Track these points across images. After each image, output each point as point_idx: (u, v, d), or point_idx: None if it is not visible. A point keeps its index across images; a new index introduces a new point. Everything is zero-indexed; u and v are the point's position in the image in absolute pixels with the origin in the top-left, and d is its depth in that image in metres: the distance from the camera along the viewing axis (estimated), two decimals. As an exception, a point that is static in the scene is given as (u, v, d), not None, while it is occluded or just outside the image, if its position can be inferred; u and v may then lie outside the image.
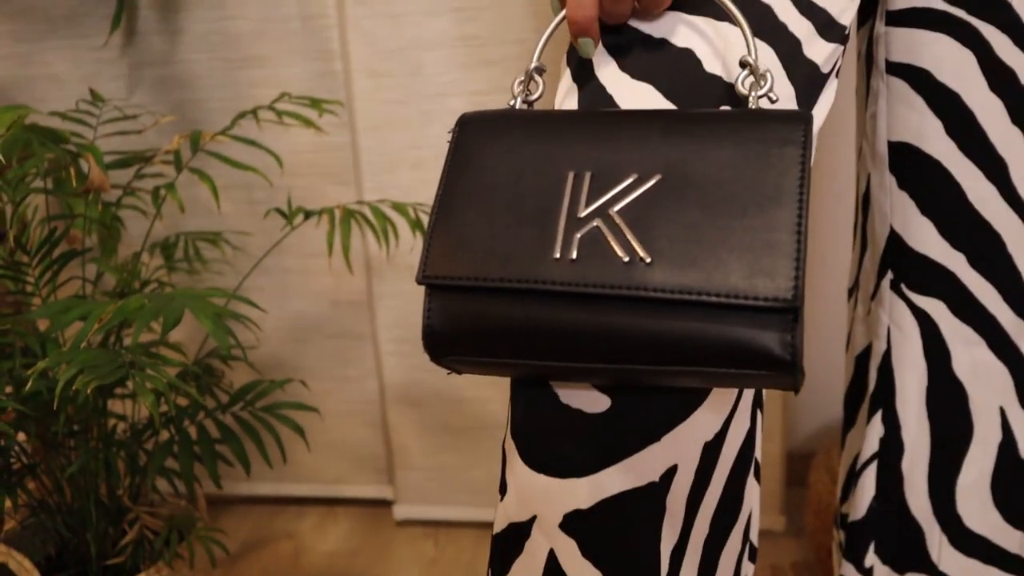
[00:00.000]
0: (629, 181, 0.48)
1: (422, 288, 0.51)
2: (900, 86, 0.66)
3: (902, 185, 0.67)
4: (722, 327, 0.45)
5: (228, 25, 1.35)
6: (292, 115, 1.04)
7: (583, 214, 0.48)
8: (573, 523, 0.52)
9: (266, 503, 1.63)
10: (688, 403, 0.51)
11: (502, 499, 0.58)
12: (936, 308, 0.67)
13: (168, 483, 1.12)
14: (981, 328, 0.66)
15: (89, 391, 0.68)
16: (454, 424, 1.45)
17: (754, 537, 0.61)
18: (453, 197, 0.52)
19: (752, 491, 0.58)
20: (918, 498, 0.72)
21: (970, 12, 0.62)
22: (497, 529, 0.59)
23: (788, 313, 0.44)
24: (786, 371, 0.45)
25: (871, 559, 0.75)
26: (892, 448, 0.72)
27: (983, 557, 0.70)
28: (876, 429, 0.73)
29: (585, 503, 0.51)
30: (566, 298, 0.47)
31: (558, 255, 0.47)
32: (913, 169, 0.66)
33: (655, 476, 0.51)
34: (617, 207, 0.48)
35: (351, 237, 1.05)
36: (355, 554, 1.46)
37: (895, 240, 0.68)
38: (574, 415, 0.51)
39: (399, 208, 1.07)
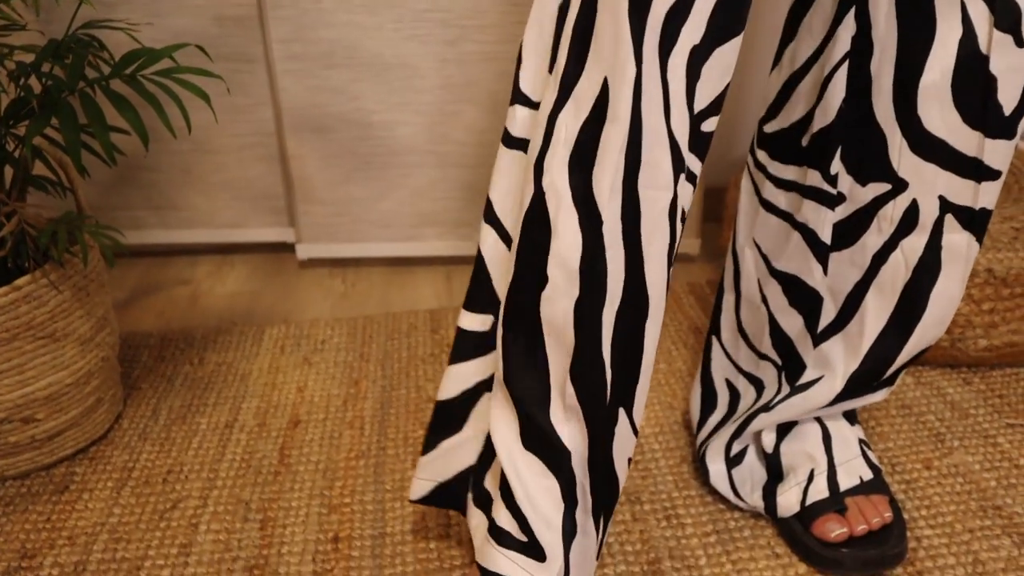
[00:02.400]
0: None
1: None
2: None
3: None
4: None
5: None
6: None
7: None
8: None
9: (153, 254, 1.51)
10: None
11: None
12: None
13: (43, 189, 0.99)
14: None
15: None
16: (361, 152, 1.35)
17: None
18: None
19: None
20: (883, 102, 0.71)
21: None
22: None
23: None
24: None
25: (836, 165, 0.75)
26: (863, 48, 0.71)
27: (941, 161, 0.70)
28: (848, 28, 0.71)
29: None
30: None
31: None
32: None
33: None
34: None
35: None
36: (257, 295, 1.38)
37: None
38: None
39: None
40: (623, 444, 0.69)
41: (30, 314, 0.89)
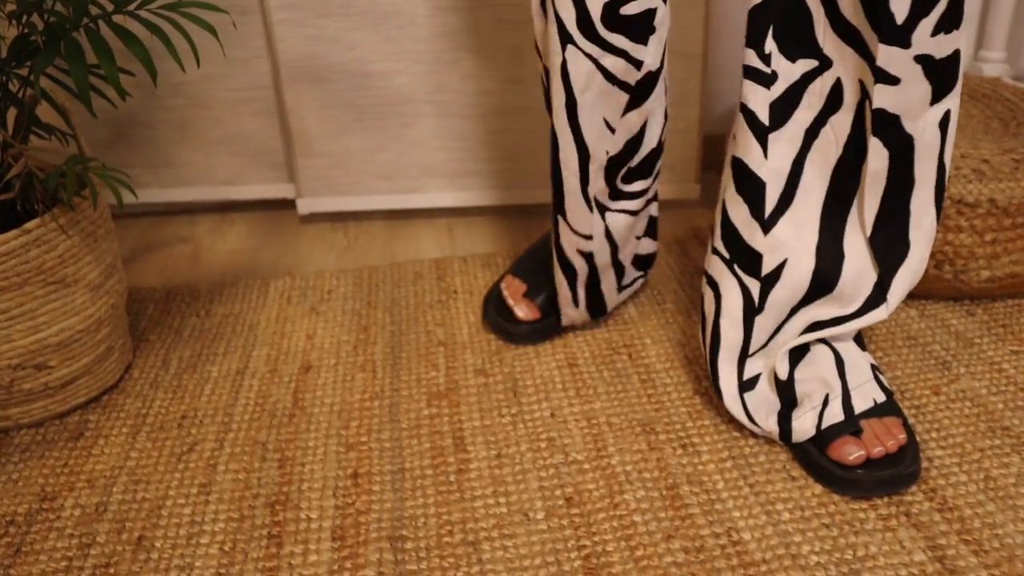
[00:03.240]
0: None
1: None
2: None
3: None
4: None
5: None
6: None
7: None
8: None
9: (152, 214, 1.50)
10: None
11: None
12: None
13: (47, 133, 0.98)
14: None
15: None
16: (359, 102, 1.34)
17: None
18: None
19: None
20: None
21: None
22: None
23: None
24: None
25: (770, 44, 0.79)
26: None
27: (855, 47, 0.77)
28: None
29: None
30: None
31: None
32: None
33: None
34: None
35: None
36: (259, 250, 1.38)
37: None
38: None
39: None
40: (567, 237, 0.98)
41: (40, 259, 0.88)
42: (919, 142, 0.80)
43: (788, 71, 0.80)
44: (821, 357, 0.89)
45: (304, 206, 1.42)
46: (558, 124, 0.91)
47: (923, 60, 0.76)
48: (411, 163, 1.39)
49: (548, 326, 1.08)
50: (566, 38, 0.84)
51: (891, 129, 0.79)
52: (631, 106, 0.91)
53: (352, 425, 0.95)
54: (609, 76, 0.87)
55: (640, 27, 0.85)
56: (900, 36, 0.74)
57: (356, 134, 1.36)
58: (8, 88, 0.87)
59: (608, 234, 1.00)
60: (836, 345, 0.90)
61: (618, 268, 1.05)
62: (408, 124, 1.36)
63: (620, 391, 0.98)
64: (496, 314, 1.09)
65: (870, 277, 0.86)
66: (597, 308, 1.07)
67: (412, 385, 1.01)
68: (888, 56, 0.74)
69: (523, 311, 1.07)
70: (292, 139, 1.36)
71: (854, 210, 0.85)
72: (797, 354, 0.89)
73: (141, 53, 0.80)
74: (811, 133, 0.82)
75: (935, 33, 0.75)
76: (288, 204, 1.50)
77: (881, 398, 0.87)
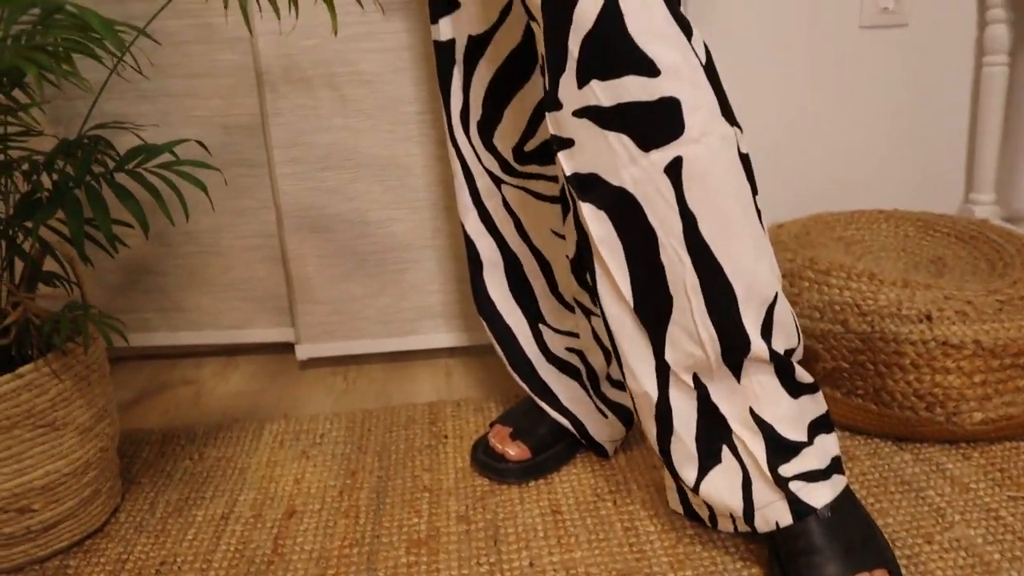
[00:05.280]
0: None
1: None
2: None
3: None
4: None
5: None
6: None
7: None
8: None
9: (160, 356, 1.54)
10: None
11: None
12: None
13: (52, 283, 1.03)
14: None
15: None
16: (359, 249, 1.39)
17: None
18: None
19: None
20: None
21: None
22: None
23: None
24: None
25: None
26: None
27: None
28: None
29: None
30: None
31: None
32: None
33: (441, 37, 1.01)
34: None
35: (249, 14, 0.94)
36: (260, 393, 1.40)
37: None
38: None
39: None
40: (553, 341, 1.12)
41: (31, 402, 0.91)
42: (639, 192, 0.77)
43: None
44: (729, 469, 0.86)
45: (303, 351, 1.45)
46: (513, 243, 1.07)
47: (587, 112, 0.76)
48: (409, 306, 1.42)
49: (537, 465, 1.08)
50: (496, 180, 1.05)
51: (596, 188, 0.78)
52: (566, 212, 1.01)
53: (328, 573, 0.94)
54: (537, 195, 1.03)
55: (547, 154, 1.01)
56: (552, 99, 0.78)
57: (356, 280, 1.41)
58: (15, 241, 0.92)
59: (596, 338, 1.03)
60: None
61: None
62: (406, 269, 1.40)
63: (602, 539, 0.96)
64: (484, 455, 1.09)
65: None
66: (624, 415, 1.09)
67: (393, 532, 1.00)
68: (553, 121, 0.80)
69: (513, 450, 1.08)
70: (293, 286, 1.41)
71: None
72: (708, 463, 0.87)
73: (135, 209, 0.85)
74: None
75: (583, 84, 0.75)
76: (291, 348, 1.53)
77: (787, 521, 0.83)
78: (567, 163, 0.80)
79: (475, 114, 1.02)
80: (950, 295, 1.09)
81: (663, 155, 0.75)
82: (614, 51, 0.73)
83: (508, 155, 1.03)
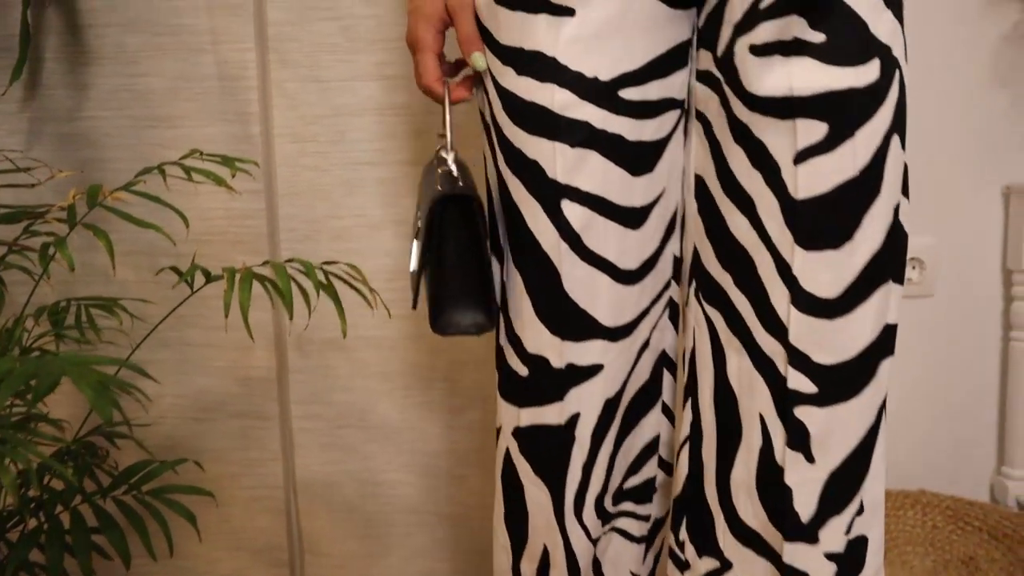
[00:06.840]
0: None
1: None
2: (699, 127, 0.78)
3: (699, 211, 0.78)
4: None
5: (139, 82, 1.28)
6: (203, 172, 0.97)
7: None
8: (517, 434, 0.85)
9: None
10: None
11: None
12: (717, 317, 0.76)
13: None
14: (745, 340, 0.74)
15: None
16: (367, 509, 1.35)
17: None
18: None
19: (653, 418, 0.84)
20: (710, 485, 0.77)
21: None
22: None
23: None
24: None
25: (683, 534, 0.79)
26: (696, 434, 0.78)
27: (757, 549, 0.74)
28: (688, 415, 0.79)
29: (522, 423, 0.83)
30: None
31: None
32: (703, 199, 0.78)
33: (561, 420, 0.80)
34: None
35: (251, 300, 0.94)
36: (250, 658, 1.32)
37: (695, 256, 0.79)
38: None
39: (308, 270, 0.98)
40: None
41: None
42: None
43: (696, 566, 0.80)
44: None
45: (303, 609, 1.38)
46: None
47: (834, 558, 0.73)
48: (413, 570, 1.36)
49: None
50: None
51: None
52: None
53: None
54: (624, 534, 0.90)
55: (644, 492, 0.88)
56: (806, 532, 0.73)
57: (362, 539, 1.36)
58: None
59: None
60: None
61: None
62: (412, 533, 1.35)
63: None
64: None
65: None
66: None
67: None
68: (793, 551, 0.73)
69: None
70: (301, 539, 1.36)
71: None
72: None
73: (117, 541, 0.82)
74: None
75: (850, 531, 0.73)
76: (289, 599, 1.46)
77: None
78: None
79: (594, 489, 0.84)
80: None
81: None
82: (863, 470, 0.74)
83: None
